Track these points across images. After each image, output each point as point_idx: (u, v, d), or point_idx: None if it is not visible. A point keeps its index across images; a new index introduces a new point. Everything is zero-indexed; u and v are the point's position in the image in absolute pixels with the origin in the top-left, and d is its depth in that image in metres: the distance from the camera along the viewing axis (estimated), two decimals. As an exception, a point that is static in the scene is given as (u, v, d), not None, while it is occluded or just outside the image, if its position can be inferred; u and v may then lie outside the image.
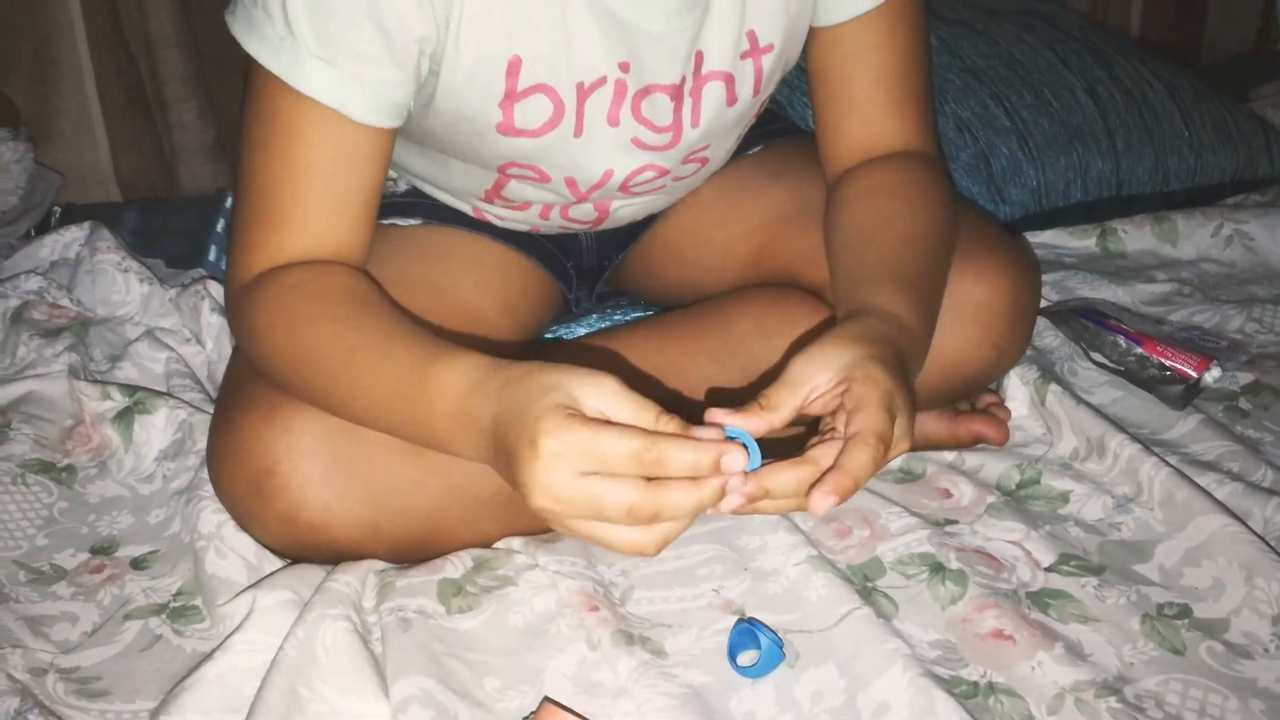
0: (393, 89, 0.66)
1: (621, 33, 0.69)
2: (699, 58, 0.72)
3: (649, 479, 0.53)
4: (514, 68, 0.68)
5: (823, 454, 0.56)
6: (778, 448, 0.57)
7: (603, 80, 0.70)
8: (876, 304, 0.65)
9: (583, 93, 0.70)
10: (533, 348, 0.86)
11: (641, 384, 0.61)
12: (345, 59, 0.64)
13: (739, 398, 0.58)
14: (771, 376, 0.59)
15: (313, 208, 0.67)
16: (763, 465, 0.55)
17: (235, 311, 0.70)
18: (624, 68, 0.70)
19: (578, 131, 0.72)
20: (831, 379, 0.58)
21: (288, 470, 0.66)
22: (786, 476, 0.56)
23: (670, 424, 0.54)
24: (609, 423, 0.54)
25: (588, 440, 0.52)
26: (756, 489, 0.55)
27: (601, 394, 0.54)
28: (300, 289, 0.66)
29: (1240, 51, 1.54)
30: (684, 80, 0.72)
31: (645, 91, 0.72)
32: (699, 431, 0.54)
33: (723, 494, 0.53)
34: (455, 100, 0.69)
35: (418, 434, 0.62)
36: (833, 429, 0.58)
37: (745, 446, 0.54)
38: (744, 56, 0.73)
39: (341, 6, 0.63)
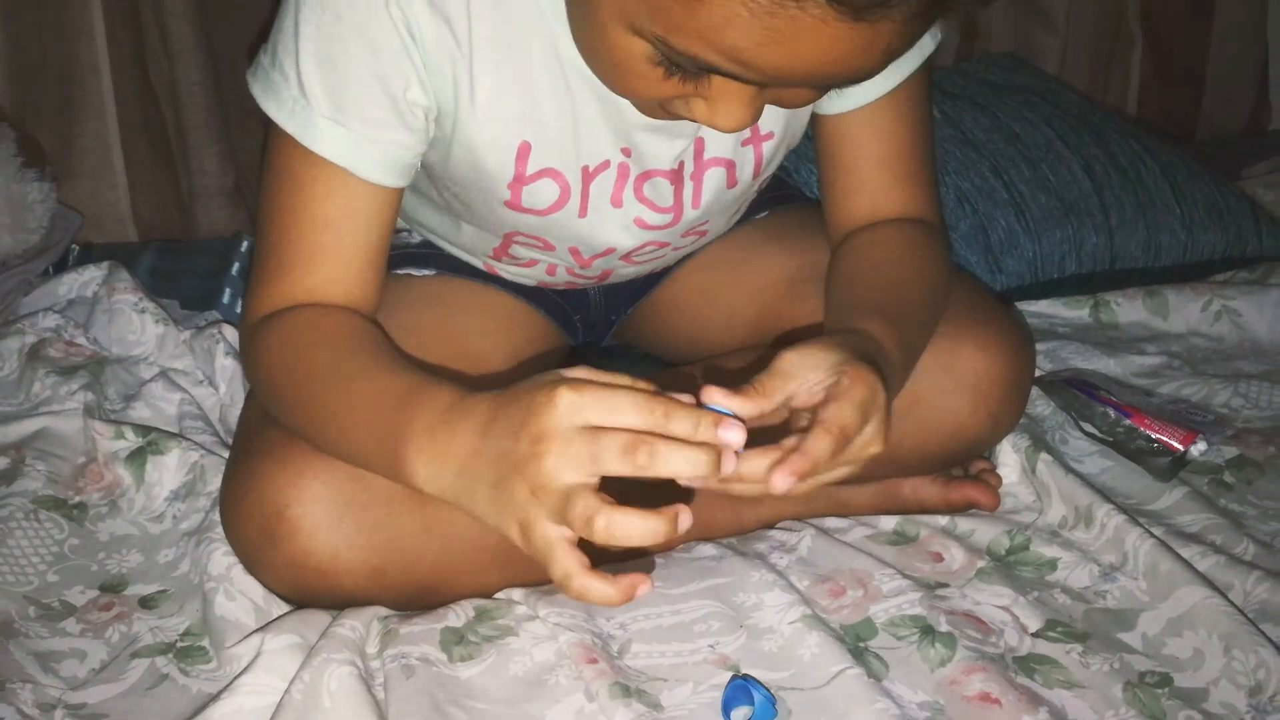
0: (401, 150, 0.69)
1: (623, 120, 0.72)
2: (699, 144, 0.75)
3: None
4: (523, 152, 0.72)
5: (792, 443, 0.58)
6: (753, 436, 0.58)
7: (606, 164, 0.73)
8: (860, 328, 0.67)
9: (587, 176, 0.74)
10: None
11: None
12: (355, 121, 0.67)
13: (731, 381, 0.59)
14: (761, 366, 0.61)
15: (321, 256, 0.70)
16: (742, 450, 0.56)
17: (245, 347, 0.73)
18: (626, 152, 0.73)
19: (582, 212, 0.75)
20: (821, 375, 0.60)
21: (298, 515, 0.68)
22: (761, 462, 0.57)
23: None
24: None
25: (601, 389, 0.54)
26: (733, 472, 0.56)
27: (590, 375, 0.56)
28: (305, 323, 0.69)
29: (1234, 130, 1.58)
30: (683, 166, 0.76)
31: (646, 175, 0.75)
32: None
33: (716, 464, 0.54)
34: (469, 168, 0.73)
35: (385, 454, 0.62)
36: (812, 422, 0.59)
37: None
38: (744, 144, 0.77)
39: (351, 73, 0.66)
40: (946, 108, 1.20)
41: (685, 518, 0.53)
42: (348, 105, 0.67)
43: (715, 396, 0.56)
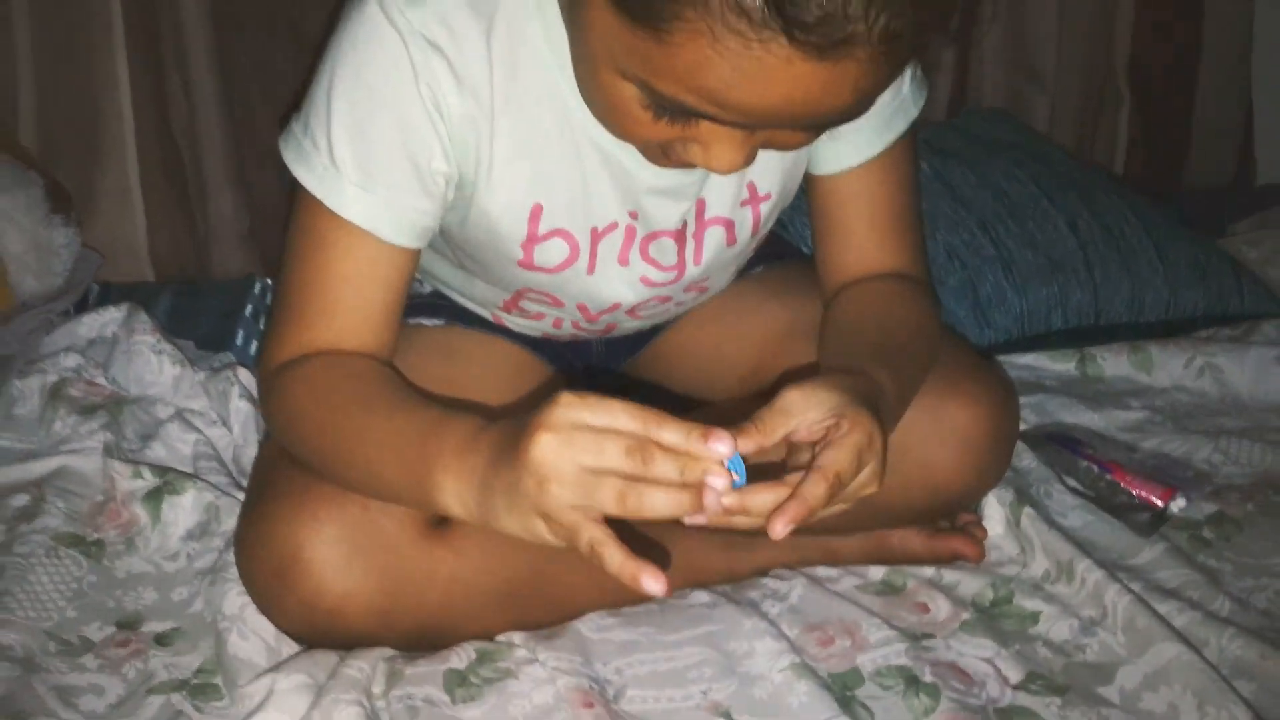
0: (421, 215, 0.73)
1: (631, 185, 0.76)
2: (701, 205, 0.79)
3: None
4: (536, 214, 0.75)
5: (794, 479, 0.61)
6: (754, 471, 0.61)
7: (614, 225, 0.77)
8: (860, 369, 0.70)
9: (596, 236, 0.78)
10: None
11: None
12: (381, 187, 0.71)
13: (732, 418, 0.62)
14: (763, 403, 0.64)
15: (341, 309, 0.74)
16: (746, 484, 0.59)
17: (265, 391, 0.76)
18: (633, 215, 0.77)
19: (590, 270, 0.79)
20: (822, 414, 0.63)
21: (310, 557, 0.71)
22: (765, 497, 0.60)
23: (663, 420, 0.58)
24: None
25: (593, 414, 0.57)
26: (737, 504, 0.59)
27: (598, 401, 0.59)
28: (327, 365, 0.72)
29: (1220, 185, 1.62)
30: (686, 225, 0.80)
31: (652, 236, 0.79)
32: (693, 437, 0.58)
33: (698, 505, 0.57)
34: (484, 231, 0.77)
35: (411, 485, 0.66)
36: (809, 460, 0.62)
37: (732, 469, 0.58)
38: (743, 204, 0.80)
39: (379, 144, 0.71)
40: (937, 164, 1.23)
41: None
42: (374, 173, 0.71)
43: (720, 444, 0.59)
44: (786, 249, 1.00)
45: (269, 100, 1.26)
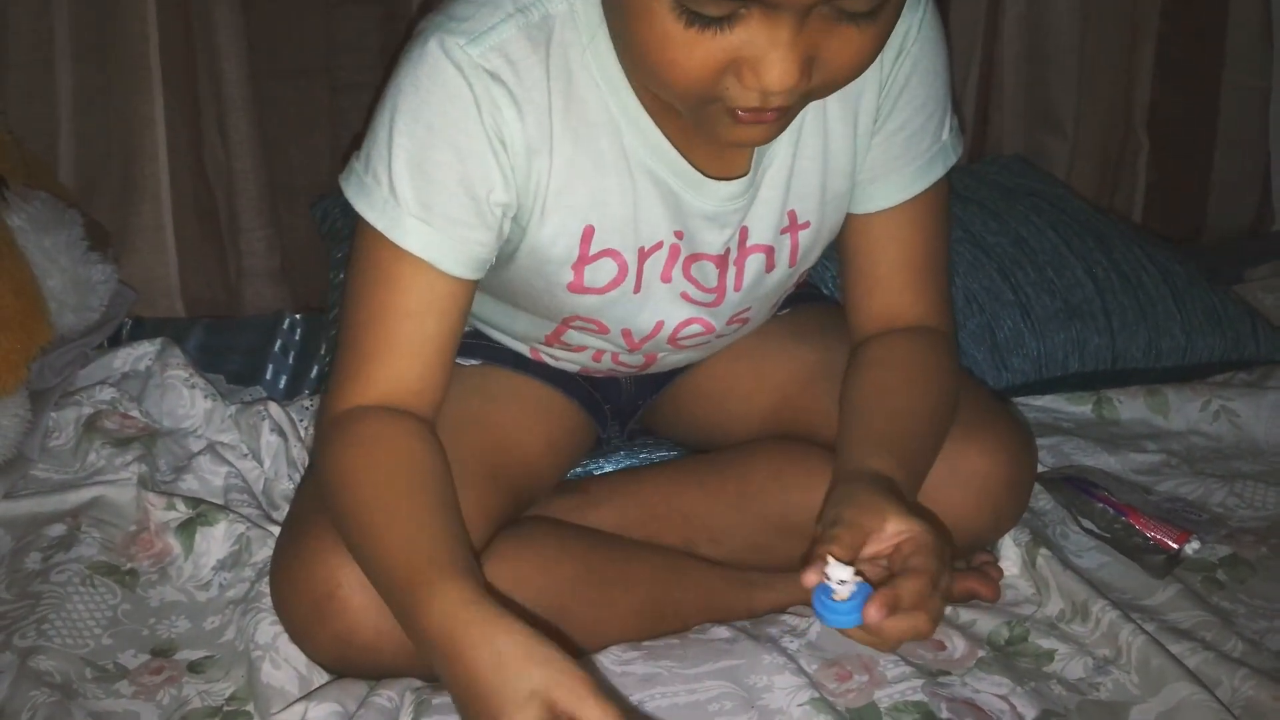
0: (479, 247, 0.76)
1: (680, 209, 0.79)
2: (744, 232, 0.82)
3: None
4: (588, 235, 0.78)
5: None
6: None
7: (660, 245, 0.80)
8: (872, 467, 0.74)
9: (643, 255, 0.80)
10: (563, 484, 0.93)
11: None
12: (440, 220, 0.74)
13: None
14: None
15: (400, 346, 0.76)
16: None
17: (321, 440, 0.77)
18: (679, 235, 0.80)
19: (637, 288, 0.81)
20: (889, 529, 0.68)
21: (347, 595, 0.73)
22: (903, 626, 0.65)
23: None
24: None
25: None
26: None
27: (573, 696, 0.60)
28: (372, 439, 0.74)
29: (1239, 231, 1.63)
30: (729, 251, 0.82)
31: (695, 258, 0.81)
32: None
33: None
34: (535, 260, 0.79)
35: (402, 612, 0.68)
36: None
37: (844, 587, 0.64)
38: (783, 232, 0.83)
39: (439, 176, 0.73)
40: (957, 210, 1.26)
41: None
42: (434, 206, 0.73)
43: (837, 570, 0.65)
44: (814, 294, 1.02)
45: (301, 142, 1.30)
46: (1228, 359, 1.22)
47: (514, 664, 0.61)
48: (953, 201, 1.26)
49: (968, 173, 1.37)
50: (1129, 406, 1.15)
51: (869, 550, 0.68)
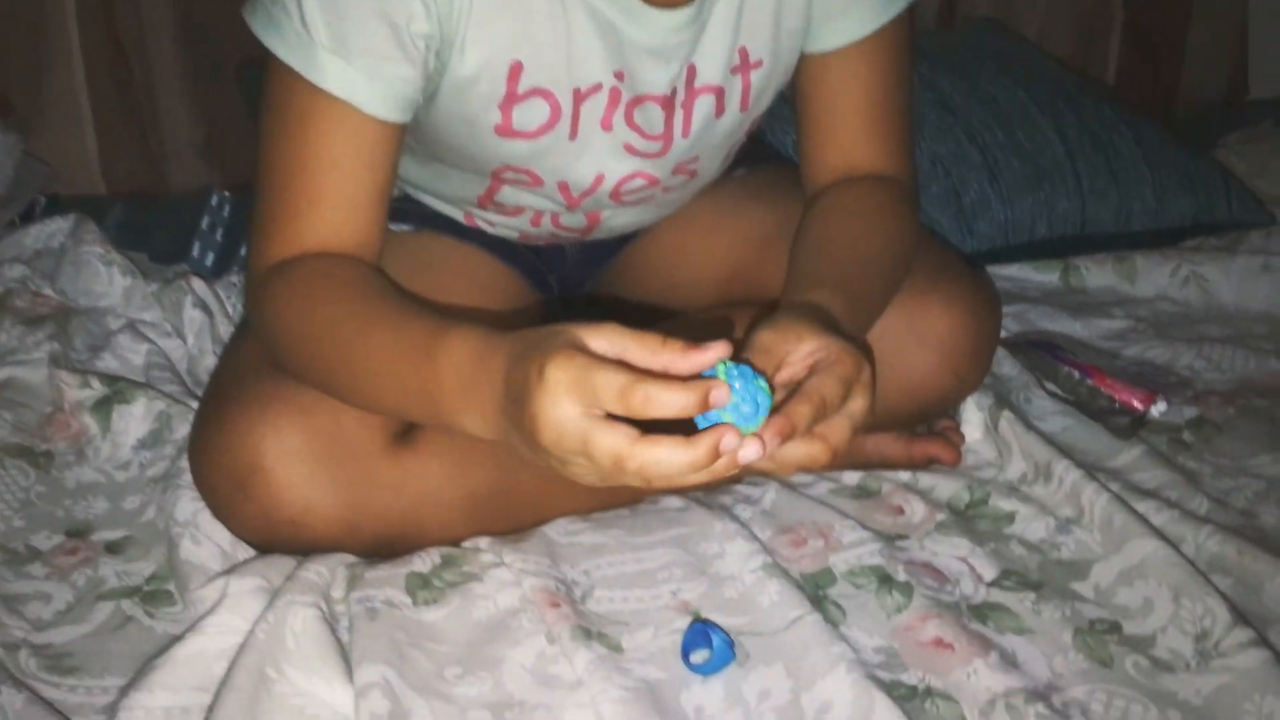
0: (402, 84, 0.69)
1: (620, 44, 0.72)
2: (691, 71, 0.75)
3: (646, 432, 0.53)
4: (515, 72, 0.71)
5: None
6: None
7: (598, 87, 0.73)
8: (818, 303, 0.68)
9: (579, 97, 0.73)
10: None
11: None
12: (357, 55, 0.67)
13: (707, 326, 0.57)
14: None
15: (328, 198, 0.69)
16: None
17: (254, 298, 0.72)
18: (619, 76, 0.73)
19: (573, 135, 0.75)
20: (803, 350, 0.61)
21: (272, 467, 0.68)
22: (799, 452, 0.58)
23: (675, 345, 0.55)
24: (609, 361, 0.55)
25: (586, 371, 0.53)
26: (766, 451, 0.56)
27: (606, 335, 0.55)
28: (317, 274, 0.68)
29: (1212, 101, 1.59)
30: (675, 92, 0.76)
31: (638, 100, 0.75)
32: (697, 355, 0.55)
33: (711, 463, 0.54)
34: (458, 101, 0.72)
35: (425, 407, 0.63)
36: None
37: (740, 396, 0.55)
38: (734, 71, 0.77)
39: (352, 6, 0.66)
40: (924, 70, 1.20)
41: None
42: (349, 38, 0.66)
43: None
44: (769, 154, 0.97)
45: (222, 8, 1.21)
46: (1199, 222, 1.18)
47: (538, 332, 0.57)
48: (920, 62, 1.21)
49: (936, 34, 1.31)
50: (1096, 274, 1.12)
51: (784, 375, 0.61)
